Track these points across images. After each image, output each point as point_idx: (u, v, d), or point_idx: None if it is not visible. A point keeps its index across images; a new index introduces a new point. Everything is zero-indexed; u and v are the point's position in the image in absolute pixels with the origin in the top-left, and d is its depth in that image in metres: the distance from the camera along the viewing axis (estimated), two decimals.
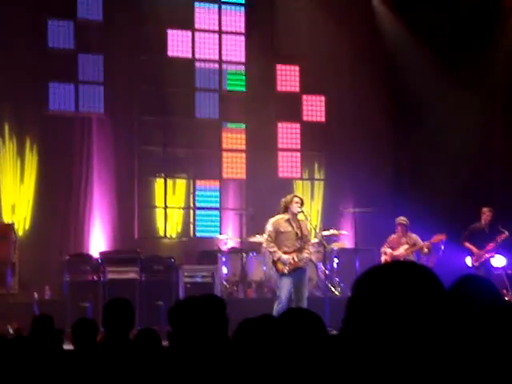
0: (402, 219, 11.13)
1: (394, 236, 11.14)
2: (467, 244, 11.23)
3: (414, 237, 11.05)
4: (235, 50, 13.61)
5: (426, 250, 10.96)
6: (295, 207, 9.12)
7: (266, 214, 10.66)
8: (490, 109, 13.30)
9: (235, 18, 13.64)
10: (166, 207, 13.10)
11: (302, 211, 9.34)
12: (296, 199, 9.28)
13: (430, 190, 12.86)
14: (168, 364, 4.01)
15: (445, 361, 1.63)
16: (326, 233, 11.66)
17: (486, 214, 11.34)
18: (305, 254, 9.26)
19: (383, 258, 10.78)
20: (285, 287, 9.09)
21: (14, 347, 4.62)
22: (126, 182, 12.79)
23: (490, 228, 11.24)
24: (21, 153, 12.07)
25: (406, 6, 13.33)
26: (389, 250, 11.01)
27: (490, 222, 11.26)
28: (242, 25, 13.66)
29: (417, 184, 13.13)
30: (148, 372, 4.12)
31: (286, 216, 9.19)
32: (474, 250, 11.16)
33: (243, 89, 13.64)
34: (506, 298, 10.86)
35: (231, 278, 11.67)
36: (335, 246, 11.83)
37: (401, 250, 10.96)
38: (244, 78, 13.64)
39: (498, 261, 11.49)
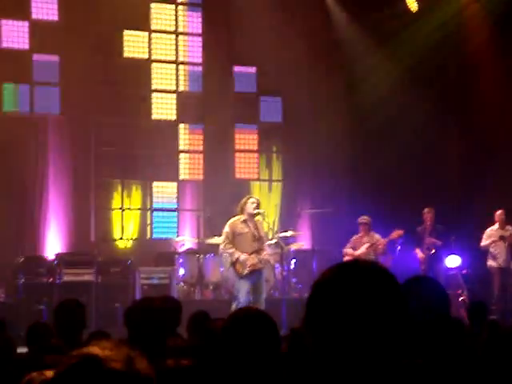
0: (364, 218, 11.30)
1: (356, 236, 11.32)
2: (416, 250, 11.51)
3: (377, 236, 11.21)
4: (192, 51, 13.64)
5: (380, 247, 11.10)
6: (250, 208, 9.19)
7: (223, 215, 10.70)
8: (441, 110, 13.57)
9: (192, 19, 13.65)
10: (122, 209, 13.05)
11: (259, 212, 9.40)
12: (252, 200, 9.33)
13: (386, 190, 13.03)
14: None
15: (398, 362, 1.66)
16: (283, 234, 11.71)
17: (426, 215, 11.66)
18: (263, 256, 9.34)
19: (345, 259, 10.82)
20: (243, 288, 9.13)
21: None
22: (82, 184, 12.69)
23: (431, 228, 11.54)
24: None
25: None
26: (350, 251, 11.15)
27: (432, 222, 11.54)
28: (199, 26, 13.67)
29: (374, 185, 13.26)
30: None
31: (242, 217, 9.23)
32: (419, 254, 11.43)
33: (200, 90, 13.68)
34: (462, 298, 11.12)
35: (188, 280, 11.67)
36: (293, 246, 11.89)
37: (362, 250, 11.10)
38: (201, 79, 13.67)
39: (453, 261, 11.72)
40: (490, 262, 11.41)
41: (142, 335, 3.97)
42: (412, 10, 13.15)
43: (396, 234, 11.18)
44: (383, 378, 1.60)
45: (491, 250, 11.38)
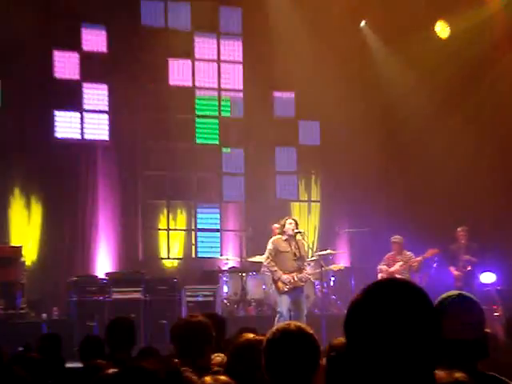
0: (396, 238, 11.60)
1: (389, 254, 11.60)
2: (450, 268, 11.78)
3: (409, 254, 11.47)
4: (233, 77, 14.21)
5: (415, 264, 11.42)
6: (289, 229, 9.56)
7: (264, 234, 11.15)
8: (481, 141, 13.74)
9: (233, 48, 14.25)
10: (168, 229, 13.59)
11: (299, 232, 9.76)
12: (289, 221, 9.70)
13: (421, 210, 13.33)
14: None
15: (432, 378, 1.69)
16: (322, 252, 12.12)
17: (460, 233, 11.81)
18: (304, 274, 9.68)
19: (380, 275, 11.18)
20: (284, 304, 9.51)
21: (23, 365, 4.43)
22: (130, 206, 13.24)
23: (466, 246, 11.70)
24: (28, 180, 12.51)
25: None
26: (384, 267, 11.47)
27: (466, 240, 11.70)
28: (240, 54, 14.24)
29: (409, 204, 13.54)
30: None
31: (283, 237, 9.65)
32: (454, 272, 11.67)
33: (241, 115, 14.21)
34: (497, 313, 11.26)
35: (232, 297, 12.04)
36: (334, 268, 12.17)
37: (396, 267, 11.40)
38: (242, 104, 14.21)
39: (488, 277, 11.90)
40: None
41: (188, 350, 4.08)
42: (442, 37, 13.55)
43: (431, 252, 11.45)
44: None
45: None
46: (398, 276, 10.11)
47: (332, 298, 12.27)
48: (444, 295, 2.89)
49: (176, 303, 11.23)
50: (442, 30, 13.63)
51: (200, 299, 11.42)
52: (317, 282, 11.66)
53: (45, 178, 12.55)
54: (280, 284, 9.49)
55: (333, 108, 13.68)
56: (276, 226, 10.55)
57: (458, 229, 11.74)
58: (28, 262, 11.76)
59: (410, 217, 13.10)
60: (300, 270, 9.59)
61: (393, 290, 1.69)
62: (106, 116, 13.26)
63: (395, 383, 1.63)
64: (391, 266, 11.41)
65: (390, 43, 13.92)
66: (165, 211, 13.57)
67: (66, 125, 13.04)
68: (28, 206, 12.49)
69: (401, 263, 11.37)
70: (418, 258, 11.39)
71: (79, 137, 13.12)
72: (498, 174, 13.64)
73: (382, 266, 11.48)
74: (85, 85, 13.15)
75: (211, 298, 11.45)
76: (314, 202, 14.49)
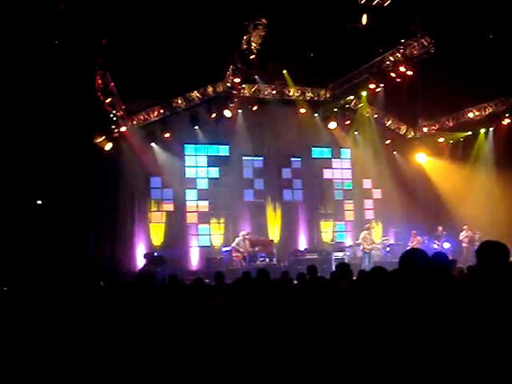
0: (414, 231, 29.53)
1: (411, 238, 30.43)
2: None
3: (418, 238, 30.47)
4: None
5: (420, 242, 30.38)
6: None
7: None
8: None
9: None
10: None
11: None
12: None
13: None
14: None
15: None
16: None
17: (439, 229, 27.75)
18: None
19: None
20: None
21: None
22: None
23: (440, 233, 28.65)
24: None
25: None
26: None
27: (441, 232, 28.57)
28: None
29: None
30: None
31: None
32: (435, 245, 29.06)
33: None
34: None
35: None
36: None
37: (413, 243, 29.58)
38: None
39: (447, 245, 26.96)
40: None
41: None
42: None
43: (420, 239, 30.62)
44: None
45: None
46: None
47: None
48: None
49: None
50: None
51: None
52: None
53: None
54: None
55: None
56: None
57: (439, 227, 28.87)
58: None
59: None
60: None
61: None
62: None
63: None
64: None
65: None
66: None
67: None
68: None
69: (415, 242, 29.01)
70: (421, 240, 27.15)
71: None
72: None
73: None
74: None
75: None
76: None
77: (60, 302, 7.91)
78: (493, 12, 19.36)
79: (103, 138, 23.59)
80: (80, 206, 22.03)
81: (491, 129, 28.98)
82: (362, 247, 25.17)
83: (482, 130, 29.44)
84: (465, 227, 27.61)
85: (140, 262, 25.20)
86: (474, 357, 3.75)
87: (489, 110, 28.40)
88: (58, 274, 15.74)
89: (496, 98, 27.66)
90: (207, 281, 14.73)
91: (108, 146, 24.08)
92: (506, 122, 27.55)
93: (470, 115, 29.12)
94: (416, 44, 23.57)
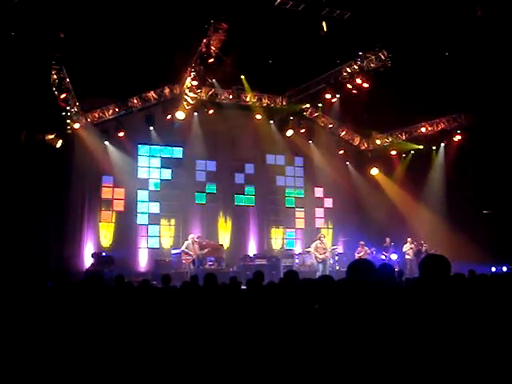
0: (361, 242, 31.11)
1: (359, 248, 30.87)
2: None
3: (366, 248, 30.91)
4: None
5: (368, 252, 30.79)
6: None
7: None
8: None
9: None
10: None
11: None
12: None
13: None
14: None
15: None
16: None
17: (387, 240, 29.94)
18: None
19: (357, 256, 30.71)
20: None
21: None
22: None
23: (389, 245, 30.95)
24: None
25: None
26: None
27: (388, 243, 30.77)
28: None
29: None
30: None
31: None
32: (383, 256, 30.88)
33: None
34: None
35: None
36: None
37: (360, 254, 30.93)
38: None
39: (394, 256, 30.23)
40: None
41: None
42: None
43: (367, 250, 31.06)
44: None
45: None
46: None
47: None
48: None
49: None
50: None
51: None
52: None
53: None
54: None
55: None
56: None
57: (387, 238, 30.55)
58: None
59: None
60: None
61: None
62: None
63: None
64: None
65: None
66: None
67: None
68: None
69: (362, 252, 29.78)
70: (368, 251, 30.12)
71: None
72: None
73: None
74: None
75: None
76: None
77: (6, 302, 7.81)
78: (449, 30, 19.71)
79: (54, 135, 23.21)
80: (27, 205, 21.69)
81: (442, 144, 29.35)
82: (314, 256, 25.37)
83: (434, 147, 29.87)
84: (408, 239, 27.93)
85: (88, 261, 24.93)
86: (410, 365, 3.88)
87: (441, 126, 28.94)
88: (3, 274, 15.40)
89: (448, 114, 28.10)
90: (154, 283, 14.69)
91: (59, 144, 23.69)
92: (456, 138, 28.02)
93: (423, 130, 29.66)
94: (373, 57, 23.88)
